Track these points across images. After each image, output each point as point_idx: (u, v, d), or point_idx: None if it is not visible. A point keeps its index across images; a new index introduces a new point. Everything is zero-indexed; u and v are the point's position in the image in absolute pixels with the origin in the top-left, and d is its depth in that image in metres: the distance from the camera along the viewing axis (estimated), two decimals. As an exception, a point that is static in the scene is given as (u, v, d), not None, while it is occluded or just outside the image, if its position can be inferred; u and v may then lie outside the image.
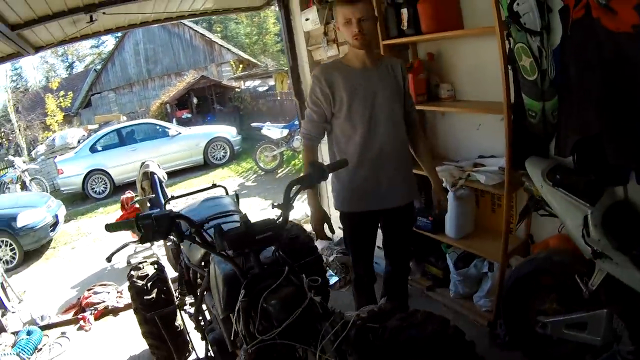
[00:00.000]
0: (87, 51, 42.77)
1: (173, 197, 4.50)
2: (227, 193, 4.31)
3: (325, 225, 3.33)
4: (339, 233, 3.86)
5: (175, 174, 15.16)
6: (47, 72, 39.19)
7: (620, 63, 2.80)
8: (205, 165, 16.35)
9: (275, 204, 2.59)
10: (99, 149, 16.02)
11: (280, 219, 2.54)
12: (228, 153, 16.97)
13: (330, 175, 2.99)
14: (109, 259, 2.27)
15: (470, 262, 4.58)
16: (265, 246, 2.47)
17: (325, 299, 3.19)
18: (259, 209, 10.32)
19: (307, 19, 5.75)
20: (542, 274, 3.43)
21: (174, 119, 21.65)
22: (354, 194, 3.45)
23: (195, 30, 29.08)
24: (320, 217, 3.35)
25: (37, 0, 4.29)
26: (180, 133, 16.48)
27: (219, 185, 4.57)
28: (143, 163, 7.90)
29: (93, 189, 15.35)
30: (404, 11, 4.33)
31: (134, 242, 8.06)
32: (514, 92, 3.54)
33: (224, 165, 16.43)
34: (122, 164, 15.25)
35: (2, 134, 27.76)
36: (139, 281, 4.13)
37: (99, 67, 31.80)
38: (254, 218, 2.47)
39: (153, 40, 28.82)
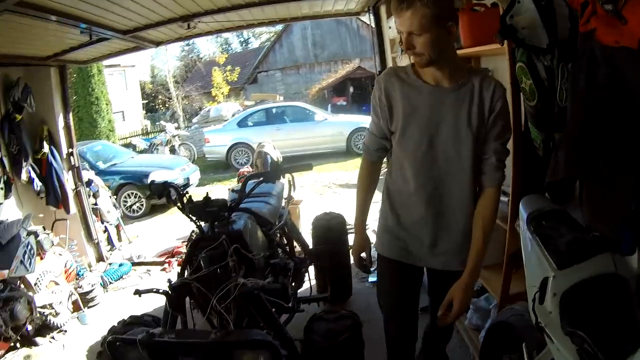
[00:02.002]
0: (264, 29, 45.63)
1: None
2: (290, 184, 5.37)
3: (364, 254, 3.03)
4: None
5: (316, 157, 16.32)
6: (221, 45, 42.60)
7: (613, 90, 2.38)
8: (347, 153, 17.25)
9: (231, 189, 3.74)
10: (249, 124, 17.87)
11: (231, 203, 3.69)
12: (371, 143, 17.76)
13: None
14: (138, 294, 2.94)
15: (486, 292, 4.37)
16: (209, 217, 3.57)
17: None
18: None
19: (389, 27, 6.29)
20: (512, 328, 2.86)
21: (330, 105, 23.02)
22: (393, 238, 2.87)
23: (362, 21, 30.35)
24: (361, 244, 3.01)
25: (139, 15, 5.42)
26: (326, 119, 17.73)
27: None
28: (259, 144, 9.10)
29: (236, 159, 17.15)
30: None
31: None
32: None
33: (365, 155, 17.37)
34: (265, 140, 16.77)
35: (160, 100, 31.22)
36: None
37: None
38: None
39: (320, 27, 30.61)
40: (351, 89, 25.16)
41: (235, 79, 30.43)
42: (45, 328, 5.60)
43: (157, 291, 3.24)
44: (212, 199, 3.61)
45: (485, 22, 3.54)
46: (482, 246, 2.64)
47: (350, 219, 5.88)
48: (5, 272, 5.01)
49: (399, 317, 3.02)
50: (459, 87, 2.59)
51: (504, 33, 2.91)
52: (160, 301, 4.09)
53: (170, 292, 3.20)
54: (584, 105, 2.53)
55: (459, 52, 3.90)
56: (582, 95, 2.53)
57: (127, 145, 19.88)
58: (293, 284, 4.43)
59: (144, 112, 36.13)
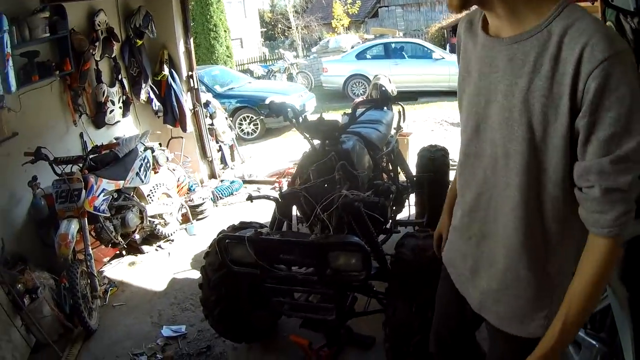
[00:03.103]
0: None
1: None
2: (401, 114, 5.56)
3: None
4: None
5: (431, 94, 16.17)
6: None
7: None
8: (461, 93, 17.09)
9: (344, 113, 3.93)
10: (367, 57, 17.97)
11: (342, 124, 4.01)
12: (485, 84, 17.61)
13: None
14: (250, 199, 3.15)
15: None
16: (321, 135, 3.89)
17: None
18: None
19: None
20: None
21: (448, 45, 22.70)
22: (450, 240, 2.14)
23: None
24: (439, 227, 2.48)
25: None
26: (443, 58, 17.53)
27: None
28: (375, 76, 9.29)
29: (352, 90, 17.32)
30: None
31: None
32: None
33: (478, 95, 17.24)
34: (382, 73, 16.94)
35: (279, 29, 31.65)
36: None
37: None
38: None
39: (444, -39, 29.76)
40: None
41: (356, 12, 30.38)
42: (153, 237, 6.17)
43: (269, 197, 3.61)
44: (325, 119, 3.91)
45: None
46: (571, 307, 1.56)
47: (455, 155, 6.06)
48: (121, 182, 5.47)
49: (437, 327, 2.37)
50: (518, 40, 1.55)
51: None
52: (266, 215, 4.46)
53: (280, 199, 3.54)
54: None
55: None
56: None
57: (244, 71, 20.44)
58: (394, 208, 4.70)
59: (262, 40, 36.84)
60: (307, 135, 3.99)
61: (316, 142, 3.99)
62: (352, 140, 4.16)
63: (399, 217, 5.00)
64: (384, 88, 8.82)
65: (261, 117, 12.18)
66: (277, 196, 3.57)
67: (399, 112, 5.52)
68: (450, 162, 5.72)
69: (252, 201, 3.55)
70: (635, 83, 1.38)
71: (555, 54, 1.45)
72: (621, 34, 2.89)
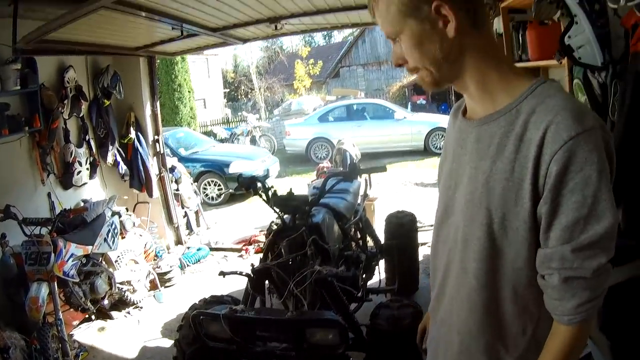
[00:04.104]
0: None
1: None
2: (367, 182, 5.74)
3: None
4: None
5: (394, 155, 16.70)
6: (304, 38, 43.24)
7: None
8: (425, 152, 17.36)
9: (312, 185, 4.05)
10: (329, 119, 18.41)
11: (312, 198, 4.11)
12: (448, 144, 17.99)
13: None
14: (223, 275, 3.27)
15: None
16: (291, 210, 4.01)
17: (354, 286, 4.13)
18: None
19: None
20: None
21: (410, 103, 23.24)
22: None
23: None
24: (426, 320, 2.11)
25: (228, 15, 5.82)
26: (405, 118, 17.96)
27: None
28: (339, 140, 9.52)
29: (315, 154, 17.63)
30: (517, 37, 4.57)
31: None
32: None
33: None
34: (345, 136, 17.25)
35: (242, 90, 32.14)
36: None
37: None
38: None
39: (402, 23, 30.82)
40: (431, 88, 25.26)
41: (318, 73, 31.10)
42: (121, 303, 6.12)
43: (241, 273, 3.68)
44: (294, 194, 4.04)
45: (554, 36, 3.52)
46: None
47: (422, 217, 6.28)
48: (89, 247, 5.44)
49: None
50: (488, 120, 1.50)
51: (562, 52, 3.10)
52: (234, 286, 4.51)
53: (252, 274, 3.61)
54: (625, 122, 2.62)
55: (525, 65, 4.25)
56: (626, 112, 2.62)
57: (208, 133, 20.58)
58: (364, 275, 4.79)
59: (225, 100, 37.13)
60: (277, 210, 4.08)
61: (286, 216, 4.08)
62: (322, 212, 4.29)
63: (370, 283, 5.06)
64: (348, 153, 9.03)
65: (229, 190, 12.31)
66: (250, 272, 3.63)
67: (366, 180, 5.66)
68: (418, 226, 5.85)
69: (224, 277, 3.62)
70: (603, 162, 1.31)
71: (520, 134, 1.39)
72: (589, 91, 3.07)
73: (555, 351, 1.42)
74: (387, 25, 1.50)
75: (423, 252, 6.54)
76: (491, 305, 1.53)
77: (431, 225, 7.21)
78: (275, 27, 6.50)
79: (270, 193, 4.14)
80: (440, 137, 17.35)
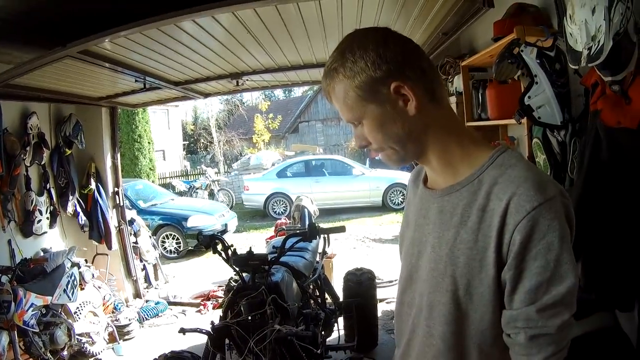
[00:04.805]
0: (307, 77, 46.72)
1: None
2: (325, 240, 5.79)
3: None
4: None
5: (352, 211, 16.91)
6: (264, 92, 43.65)
7: (609, 167, 2.46)
8: (383, 207, 17.58)
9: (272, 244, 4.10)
10: (288, 175, 18.58)
11: (271, 257, 4.19)
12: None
13: None
14: (183, 332, 3.32)
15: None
16: (254, 269, 4.05)
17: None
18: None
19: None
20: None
21: (368, 159, 23.50)
22: None
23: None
24: None
25: (190, 70, 5.99)
26: (364, 174, 18.19)
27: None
28: (298, 197, 9.62)
29: (273, 209, 17.66)
30: (477, 95, 4.70)
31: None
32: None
33: (399, 211, 17.71)
34: (303, 192, 17.36)
35: (201, 144, 32.25)
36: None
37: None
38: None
39: (363, 78, 31.51)
40: (390, 144, 25.71)
41: (277, 127, 31.38)
42: (80, 355, 6.03)
43: (201, 331, 3.69)
44: (254, 252, 4.10)
45: (513, 95, 3.57)
46: None
47: (380, 273, 6.37)
48: (49, 298, 5.42)
49: None
50: (450, 192, 1.55)
51: (521, 112, 3.12)
52: (193, 341, 4.49)
53: (212, 332, 3.63)
54: (584, 179, 2.66)
55: (484, 123, 4.40)
56: (585, 170, 2.65)
57: (166, 186, 20.64)
58: (323, 332, 4.81)
59: (185, 153, 37.19)
60: (237, 269, 4.13)
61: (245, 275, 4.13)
62: (281, 271, 4.34)
63: (329, 340, 5.09)
64: (306, 210, 9.11)
65: (188, 247, 12.37)
66: (210, 329, 3.66)
67: (324, 238, 5.74)
68: (377, 282, 5.93)
69: (184, 334, 3.64)
70: (564, 227, 1.38)
71: (483, 204, 1.43)
72: (548, 149, 3.12)
73: None
74: (347, 112, 1.54)
75: (382, 308, 6.61)
76: None
77: (390, 282, 7.24)
78: (237, 82, 6.65)
79: (230, 252, 4.19)
80: (399, 192, 17.57)
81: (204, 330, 3.69)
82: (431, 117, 1.52)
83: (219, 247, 4.26)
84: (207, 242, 4.30)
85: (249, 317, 3.67)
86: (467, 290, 1.47)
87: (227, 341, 3.83)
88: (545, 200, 1.35)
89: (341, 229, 4.69)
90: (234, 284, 4.46)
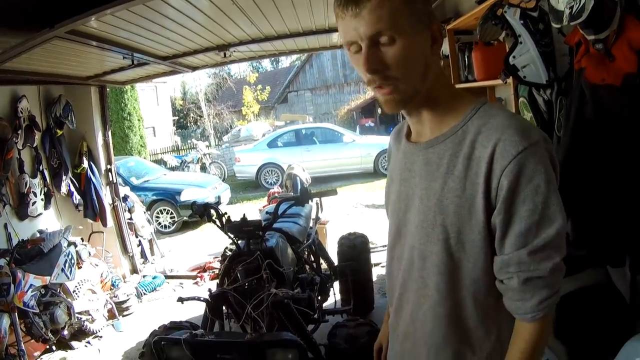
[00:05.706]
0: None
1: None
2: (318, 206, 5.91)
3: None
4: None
5: (344, 178, 16.99)
6: (252, 64, 43.40)
7: (594, 124, 2.52)
8: (374, 174, 17.61)
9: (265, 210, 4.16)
10: (279, 145, 18.53)
11: (265, 223, 4.22)
12: (397, 165, 18.32)
13: None
14: (181, 301, 3.34)
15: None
16: (245, 235, 4.09)
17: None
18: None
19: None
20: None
21: (358, 126, 23.57)
22: (389, 343, 1.99)
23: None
24: (380, 336, 2.20)
25: (177, 43, 5.99)
26: (354, 141, 18.20)
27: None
28: (289, 165, 9.65)
29: (266, 179, 17.72)
30: (463, 57, 4.87)
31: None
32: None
33: (391, 176, 17.81)
34: (295, 161, 17.42)
35: (191, 118, 32.14)
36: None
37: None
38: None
39: (350, 47, 31.46)
40: (379, 110, 25.64)
41: (266, 98, 31.26)
42: (81, 333, 6.10)
43: (199, 299, 3.75)
44: (248, 219, 4.13)
45: (499, 56, 3.62)
46: None
47: (374, 238, 6.44)
48: (47, 278, 5.46)
49: None
50: (434, 143, 1.57)
51: (506, 72, 3.20)
52: (192, 312, 4.56)
53: (210, 300, 3.68)
54: (571, 137, 2.74)
55: (471, 85, 4.46)
56: (572, 127, 2.73)
57: (158, 162, 20.58)
58: (319, 297, 4.89)
59: (175, 128, 37.06)
60: (232, 236, 4.18)
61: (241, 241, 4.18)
62: (275, 237, 4.40)
63: (326, 305, 5.17)
64: (298, 178, 9.15)
65: (182, 217, 12.37)
66: (207, 297, 3.70)
67: (317, 203, 5.79)
68: (371, 247, 6.00)
69: (182, 303, 3.70)
70: (550, 171, 1.41)
71: (468, 153, 1.46)
72: (534, 108, 3.16)
73: (522, 348, 1.50)
74: (386, 21, 1.39)
75: (377, 272, 6.69)
76: (454, 315, 1.58)
77: (384, 246, 7.29)
78: (224, 54, 6.64)
79: (224, 219, 4.23)
80: (388, 158, 17.53)
81: (202, 298, 3.74)
82: (437, 66, 1.58)
83: (213, 215, 4.30)
84: (201, 210, 4.33)
85: (246, 283, 3.72)
86: (459, 238, 1.51)
87: (225, 310, 3.91)
88: (529, 144, 1.39)
89: (332, 192, 4.72)
90: (229, 252, 4.53)
